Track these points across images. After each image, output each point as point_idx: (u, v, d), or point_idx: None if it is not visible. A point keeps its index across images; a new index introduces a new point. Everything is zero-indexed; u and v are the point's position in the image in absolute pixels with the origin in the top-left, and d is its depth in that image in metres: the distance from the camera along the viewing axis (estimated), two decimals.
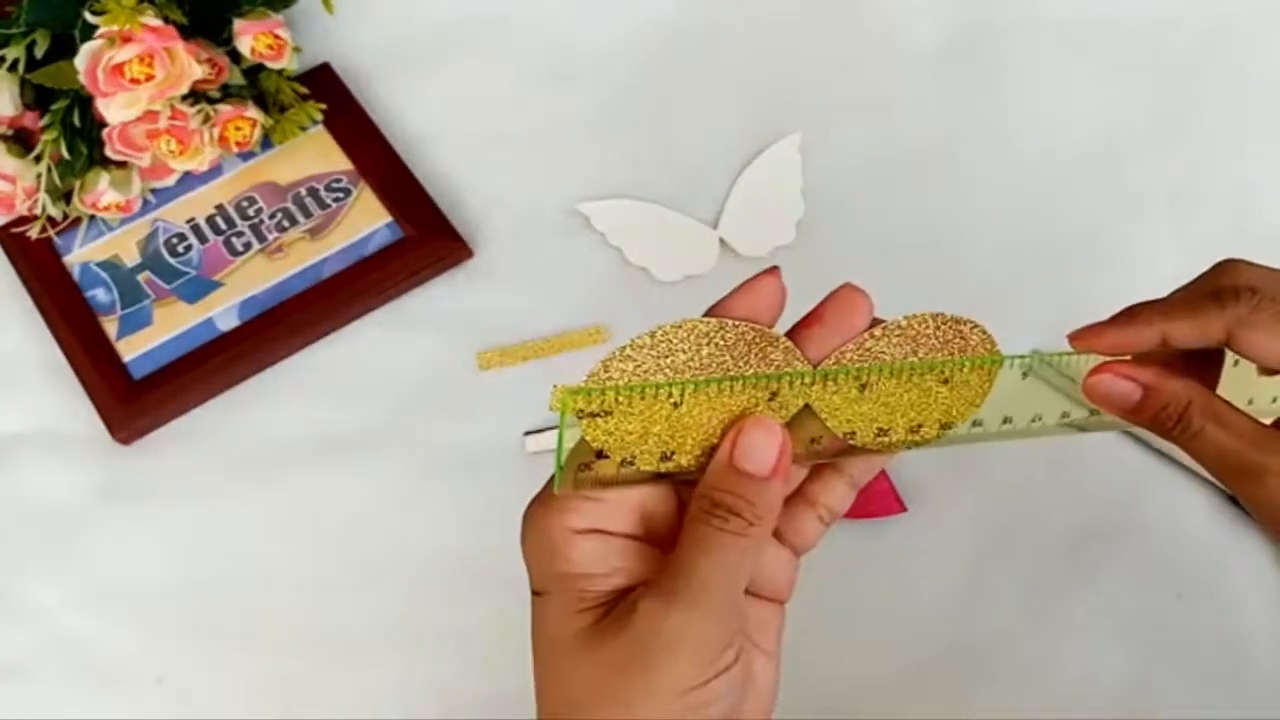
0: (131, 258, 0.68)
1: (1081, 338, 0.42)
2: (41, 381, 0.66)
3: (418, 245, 0.68)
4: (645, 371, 0.36)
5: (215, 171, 0.70)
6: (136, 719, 0.59)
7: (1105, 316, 0.42)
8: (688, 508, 0.38)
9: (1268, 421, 0.42)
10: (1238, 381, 0.43)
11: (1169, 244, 0.69)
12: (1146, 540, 0.62)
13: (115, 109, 0.62)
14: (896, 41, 0.75)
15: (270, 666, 0.60)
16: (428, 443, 0.64)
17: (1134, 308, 0.42)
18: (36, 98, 0.66)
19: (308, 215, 0.69)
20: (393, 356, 0.67)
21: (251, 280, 0.67)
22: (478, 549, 0.59)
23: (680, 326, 0.36)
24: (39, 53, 0.64)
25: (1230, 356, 0.43)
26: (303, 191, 0.70)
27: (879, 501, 0.61)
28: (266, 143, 0.70)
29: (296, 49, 0.68)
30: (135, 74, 0.61)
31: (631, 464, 0.37)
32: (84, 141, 0.65)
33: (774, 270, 0.39)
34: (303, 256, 0.68)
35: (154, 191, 0.69)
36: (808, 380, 0.38)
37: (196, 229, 0.69)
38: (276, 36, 0.67)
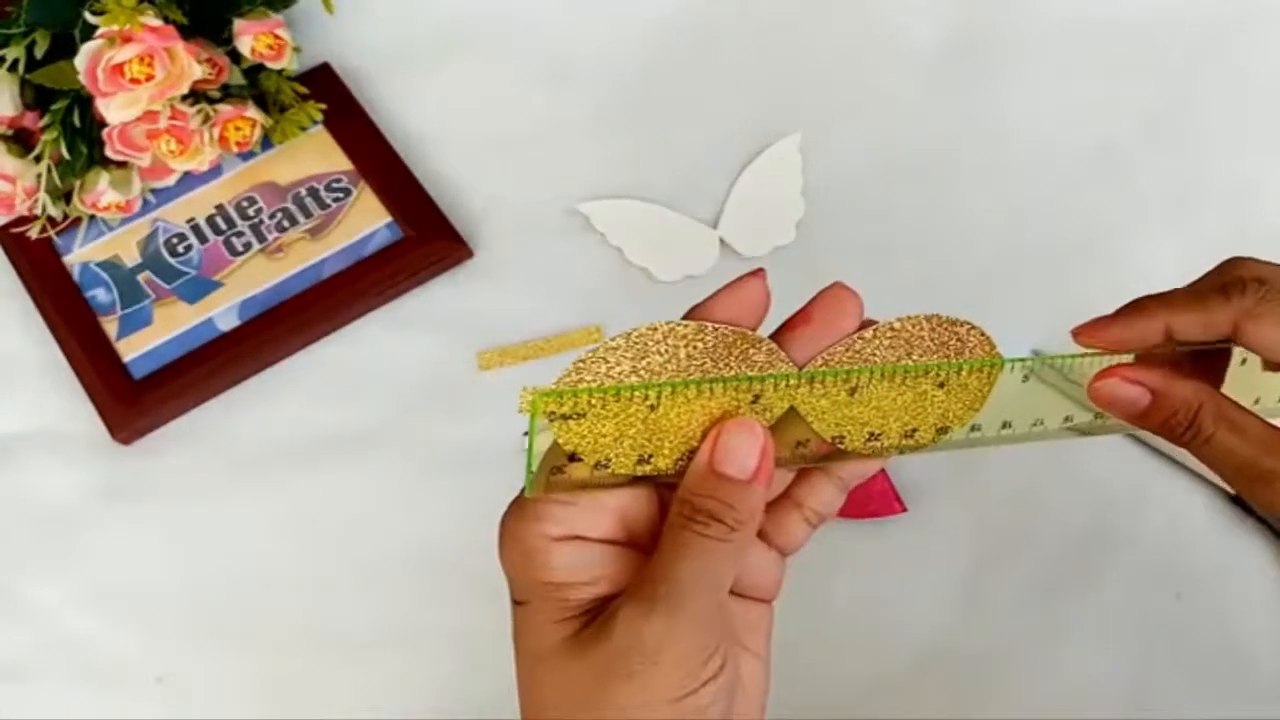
0: (131, 258, 0.68)
1: (1086, 332, 0.41)
2: (41, 381, 0.66)
3: (418, 245, 0.68)
4: (620, 374, 0.35)
5: (215, 171, 0.70)
6: (136, 719, 0.59)
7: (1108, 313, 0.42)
8: (669, 510, 0.37)
9: (1277, 421, 0.41)
10: (1243, 380, 0.43)
11: (1169, 244, 0.69)
12: (1146, 540, 0.62)
13: (115, 109, 0.62)
14: (896, 41, 0.75)
15: (270, 666, 0.60)
16: (428, 443, 0.64)
17: (1139, 300, 0.42)
18: (36, 98, 0.66)
19: (308, 215, 0.69)
20: (393, 356, 0.67)
21: (251, 280, 0.67)
22: (478, 549, 0.59)
23: (656, 329, 0.36)
24: (39, 53, 0.64)
25: (1237, 355, 0.43)
26: (303, 191, 0.70)
27: (879, 501, 0.61)
28: (266, 143, 0.70)
29: (296, 49, 0.68)
30: (135, 74, 0.61)
31: (606, 467, 0.36)
32: (84, 141, 0.65)
33: (759, 272, 0.38)
34: (303, 256, 0.68)
35: (154, 191, 0.69)
36: (793, 382, 0.37)
37: (196, 229, 0.69)
38: (276, 36, 0.67)
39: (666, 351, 0.36)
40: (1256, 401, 0.44)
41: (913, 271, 0.68)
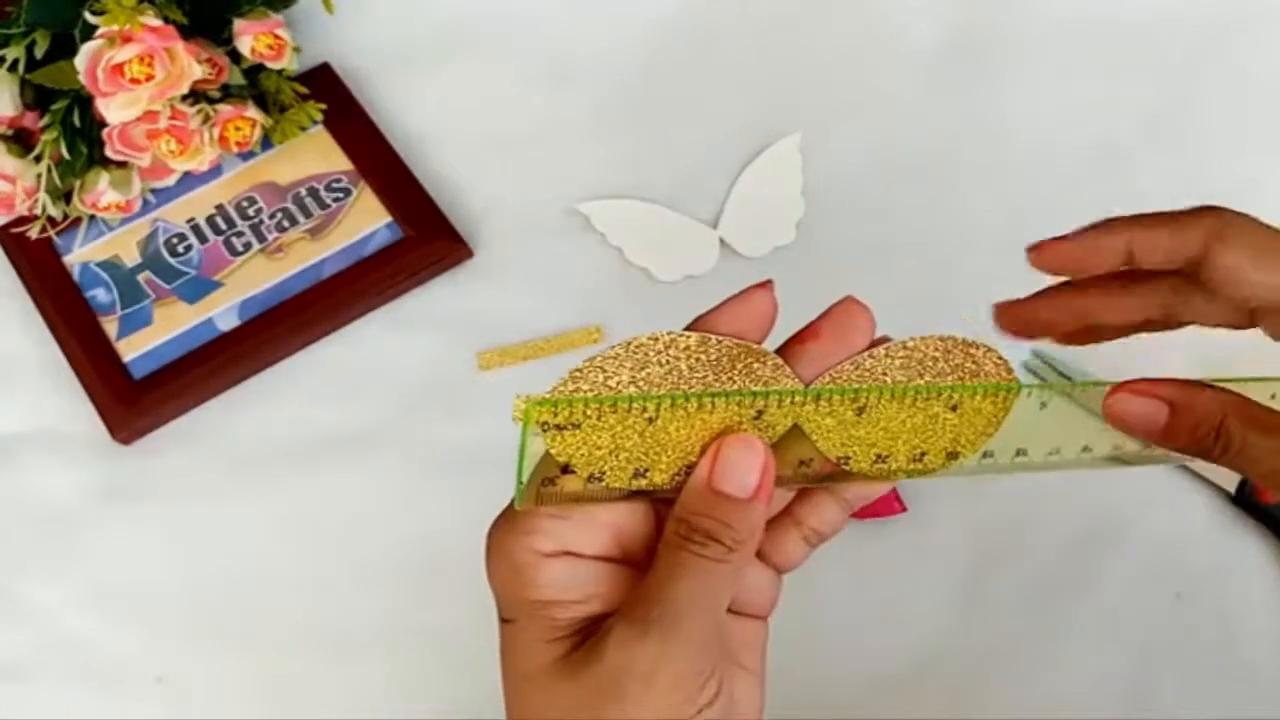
0: (131, 258, 0.68)
1: (1040, 249, 0.39)
2: (41, 381, 0.66)
3: (418, 245, 0.68)
4: (618, 384, 0.34)
5: (215, 171, 0.70)
6: (136, 719, 0.59)
7: None
8: (665, 528, 0.36)
9: None
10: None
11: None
12: (1146, 540, 0.62)
13: (115, 109, 0.62)
14: (896, 41, 0.75)
15: (270, 666, 0.60)
16: (428, 443, 0.64)
17: (1105, 219, 0.40)
18: (36, 98, 0.66)
19: (308, 215, 0.69)
20: (393, 356, 0.67)
21: (251, 280, 0.67)
22: (477, 549, 0.59)
23: (657, 339, 0.34)
24: (39, 53, 0.64)
25: (1265, 389, 0.40)
26: (303, 191, 0.70)
27: (879, 501, 0.61)
28: (266, 143, 0.70)
29: (296, 49, 0.68)
30: (135, 74, 0.61)
31: (600, 480, 0.35)
32: (84, 141, 0.65)
33: (766, 284, 0.36)
34: (303, 256, 0.68)
35: (154, 191, 0.69)
36: (798, 399, 0.35)
37: (196, 229, 0.69)
38: (276, 36, 0.67)
39: (667, 363, 0.34)
40: None
41: (913, 271, 0.68)
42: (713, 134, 0.72)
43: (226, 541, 0.63)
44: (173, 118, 0.64)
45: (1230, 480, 0.61)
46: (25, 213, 0.67)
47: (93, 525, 0.63)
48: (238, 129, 0.67)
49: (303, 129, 0.70)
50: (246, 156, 0.70)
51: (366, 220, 0.69)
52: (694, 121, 0.73)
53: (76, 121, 0.65)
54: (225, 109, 0.67)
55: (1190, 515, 0.62)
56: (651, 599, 0.35)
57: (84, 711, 0.59)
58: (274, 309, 0.66)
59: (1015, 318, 0.40)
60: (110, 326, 0.66)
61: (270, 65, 0.68)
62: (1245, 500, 0.61)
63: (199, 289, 0.67)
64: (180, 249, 0.68)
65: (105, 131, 0.64)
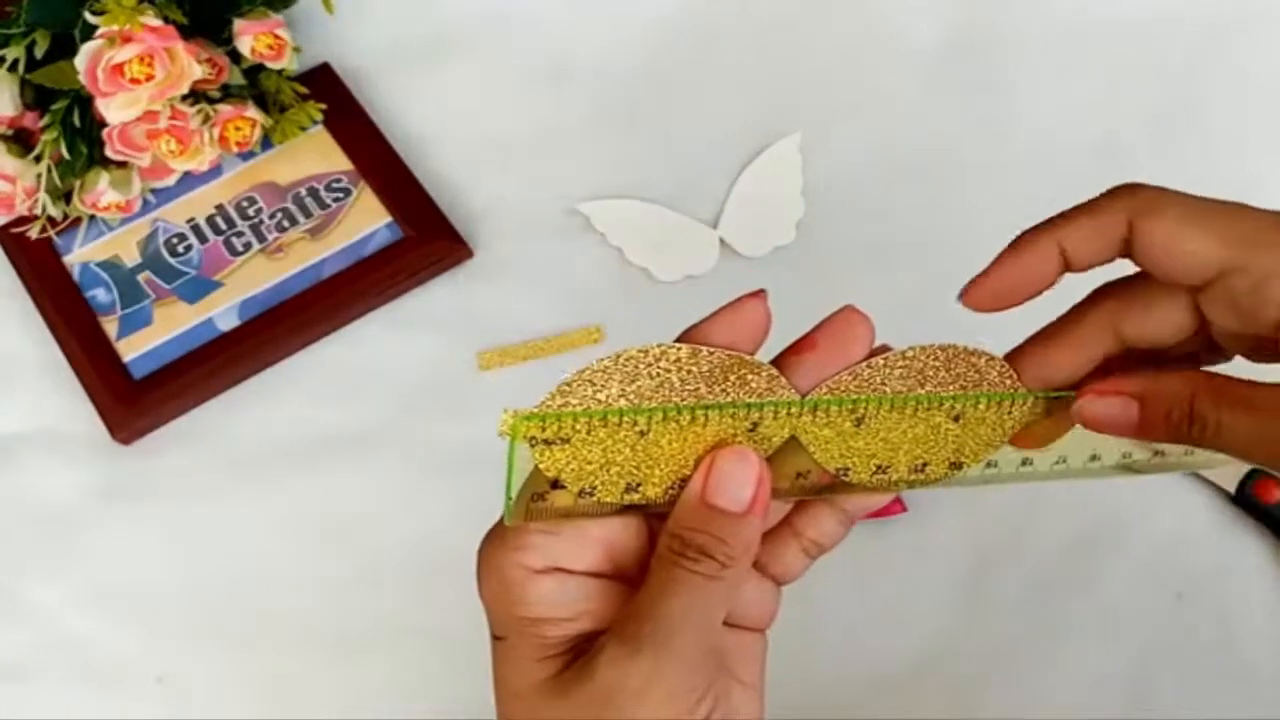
0: (131, 258, 0.68)
1: (969, 292, 0.37)
2: (41, 381, 0.66)
3: (418, 245, 0.68)
4: (608, 398, 0.33)
5: (215, 171, 0.70)
6: (136, 719, 0.59)
7: None
8: (658, 543, 0.35)
9: None
10: None
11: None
12: (1146, 540, 0.62)
13: (115, 109, 0.62)
14: (897, 41, 0.75)
15: (270, 666, 0.60)
16: (428, 443, 0.64)
17: (1021, 232, 0.37)
18: (36, 98, 0.66)
19: (308, 215, 0.69)
20: (393, 356, 0.67)
21: (251, 280, 0.67)
22: (477, 548, 0.59)
23: (647, 351, 0.33)
24: (39, 53, 0.64)
25: None
26: (303, 191, 0.70)
27: None
28: (266, 143, 0.70)
29: (296, 49, 0.68)
30: (135, 74, 0.61)
31: (592, 495, 0.34)
32: (84, 141, 0.65)
33: (759, 294, 0.35)
34: (303, 256, 0.68)
35: (154, 191, 0.69)
36: (794, 411, 0.35)
37: (196, 229, 0.69)
38: (276, 36, 0.67)
39: (658, 375, 0.34)
40: None
41: (913, 272, 0.68)
42: (713, 134, 0.72)
43: (226, 541, 0.63)
44: (173, 118, 0.64)
45: (1230, 480, 0.61)
46: (25, 213, 0.67)
47: (93, 525, 0.63)
48: (238, 129, 0.67)
49: (303, 129, 0.70)
50: (246, 156, 0.70)
51: (366, 220, 0.69)
52: (694, 121, 0.73)
53: (76, 121, 0.65)
54: (225, 109, 0.67)
55: (1190, 515, 0.62)
56: (644, 616, 0.34)
57: (84, 711, 0.59)
58: (274, 309, 0.66)
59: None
60: (110, 326, 0.66)
61: (270, 65, 0.68)
62: (1245, 500, 0.61)
63: (199, 289, 0.67)
64: (180, 249, 0.68)
65: (105, 131, 0.64)
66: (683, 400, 0.34)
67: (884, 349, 0.36)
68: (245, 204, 0.69)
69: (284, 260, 0.68)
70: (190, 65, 0.63)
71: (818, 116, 0.72)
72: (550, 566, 0.35)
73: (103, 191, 0.66)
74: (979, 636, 0.60)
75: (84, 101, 0.64)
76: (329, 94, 0.71)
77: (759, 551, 0.37)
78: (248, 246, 0.68)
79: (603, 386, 0.33)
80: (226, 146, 0.68)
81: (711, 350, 0.34)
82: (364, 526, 0.63)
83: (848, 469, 0.36)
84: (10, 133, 0.66)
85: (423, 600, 0.61)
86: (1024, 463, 0.38)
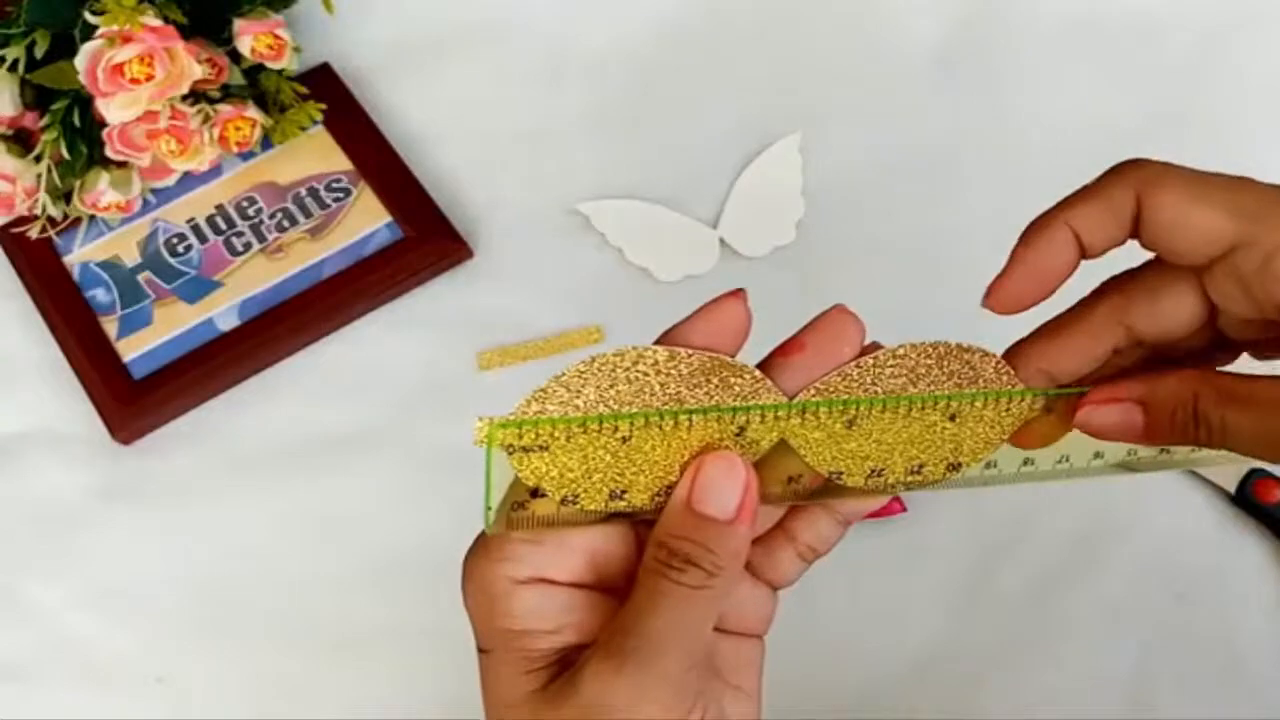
0: (131, 258, 0.68)
1: (992, 294, 0.36)
2: (41, 381, 0.66)
3: (418, 245, 0.68)
4: (585, 403, 0.32)
5: (215, 171, 0.70)
6: (136, 719, 0.59)
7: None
8: (645, 552, 0.34)
9: None
10: None
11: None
12: (1146, 540, 0.62)
13: (115, 109, 0.62)
14: (897, 41, 0.75)
15: (270, 666, 0.60)
16: (428, 443, 0.64)
17: (1031, 224, 0.37)
18: (36, 98, 0.65)
19: (308, 215, 0.69)
20: (393, 356, 0.67)
21: (251, 280, 0.67)
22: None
23: (623, 354, 0.32)
24: (39, 53, 0.64)
25: None
26: (303, 191, 0.70)
27: None
28: (266, 143, 0.70)
29: (296, 49, 0.68)
30: (135, 74, 0.61)
31: (575, 502, 0.33)
32: (84, 141, 0.65)
33: (738, 293, 0.34)
34: (303, 256, 0.68)
35: (154, 191, 0.69)
36: (781, 414, 0.34)
37: (196, 229, 0.69)
38: (276, 36, 0.67)
39: (636, 379, 0.33)
40: None
41: (913, 272, 0.68)
42: (713, 134, 0.72)
43: (226, 541, 0.63)
44: (173, 118, 0.64)
45: (1230, 480, 0.62)
46: (25, 213, 0.66)
47: (93, 525, 0.63)
48: (238, 129, 0.67)
49: (303, 129, 0.70)
50: (246, 156, 0.70)
51: (366, 220, 0.69)
52: (694, 121, 0.73)
53: (76, 121, 0.65)
54: (225, 109, 0.67)
55: (1190, 515, 0.62)
56: (628, 631, 0.33)
57: (84, 711, 0.59)
58: (274, 309, 0.66)
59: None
60: (110, 326, 0.66)
61: (270, 65, 0.68)
62: (1245, 500, 0.61)
63: (199, 289, 0.67)
64: (180, 249, 0.68)
65: (105, 131, 0.64)
66: (663, 404, 0.33)
67: (875, 347, 0.35)
68: (245, 204, 0.69)
69: (284, 260, 0.68)
70: (190, 65, 0.63)
71: (818, 116, 0.72)
72: (534, 577, 0.35)
73: (103, 191, 0.66)
74: (979, 636, 0.60)
75: (84, 101, 0.64)
76: (329, 94, 0.71)
77: (753, 556, 0.37)
78: (248, 246, 0.68)
79: (579, 392, 0.32)
80: (226, 146, 0.68)
81: (690, 352, 0.33)
82: (364, 526, 0.63)
83: (841, 472, 0.36)
84: (10, 133, 0.66)
85: (423, 600, 0.60)
86: (1025, 462, 0.37)
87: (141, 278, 0.67)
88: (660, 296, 0.68)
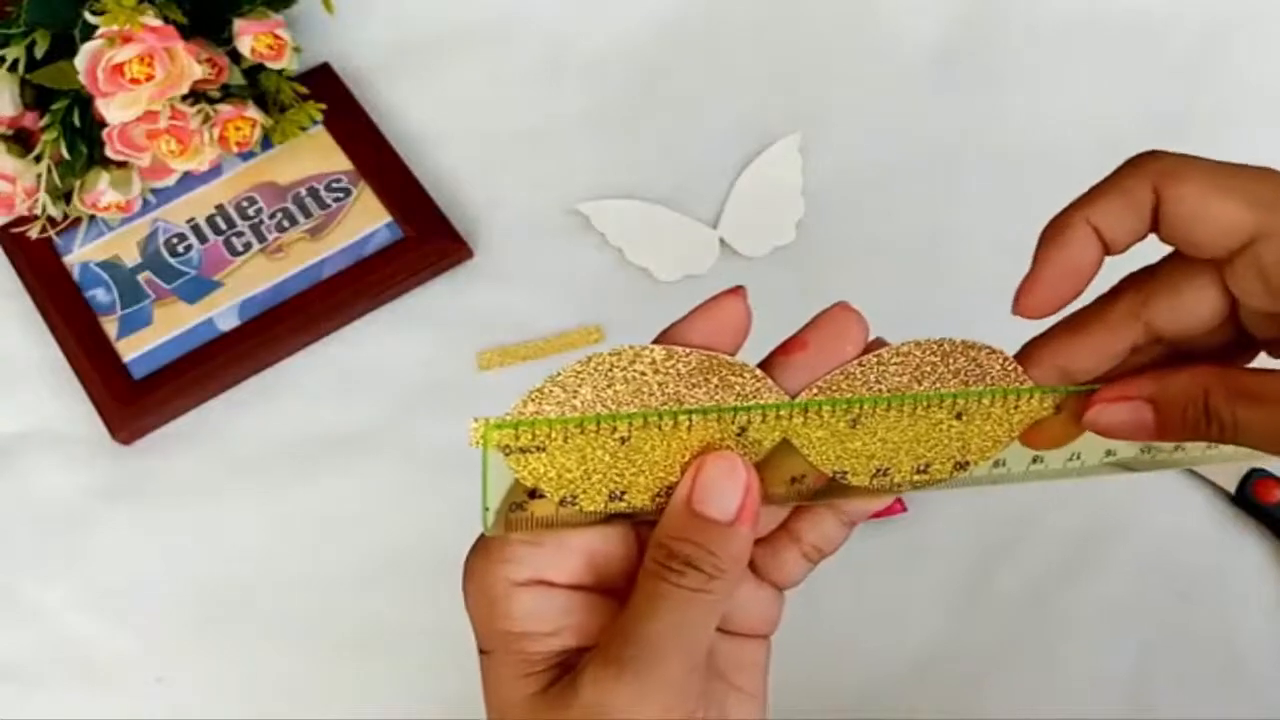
0: (131, 258, 0.68)
1: (1022, 303, 0.35)
2: (41, 381, 0.66)
3: (418, 245, 0.68)
4: (582, 403, 0.32)
5: (215, 171, 0.70)
6: (136, 719, 0.59)
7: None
8: (645, 555, 0.34)
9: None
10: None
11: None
12: (1146, 540, 0.62)
13: (115, 109, 0.62)
14: (897, 41, 0.75)
15: (270, 666, 0.60)
16: (428, 443, 0.64)
17: (1050, 222, 0.36)
18: (36, 98, 0.65)
19: (308, 215, 0.69)
20: (393, 356, 0.67)
21: (251, 280, 0.67)
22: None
23: (620, 354, 0.32)
24: (39, 53, 0.64)
25: None
26: (303, 191, 0.70)
27: None
28: (266, 143, 0.70)
29: (296, 49, 0.68)
30: (135, 74, 0.61)
31: (574, 503, 0.33)
32: (84, 141, 0.65)
33: (737, 290, 0.33)
34: (303, 256, 0.68)
35: (154, 191, 0.69)
36: (783, 413, 0.33)
37: (196, 229, 0.69)
38: (276, 36, 0.67)
39: (634, 379, 0.32)
40: None
41: (913, 271, 0.68)
42: (713, 134, 0.72)
43: (226, 541, 0.63)
44: (173, 118, 0.64)
45: (1230, 480, 0.61)
46: (25, 213, 0.66)
47: (93, 525, 0.63)
48: (238, 129, 0.67)
49: (303, 129, 0.70)
50: (246, 156, 0.70)
51: (366, 220, 0.69)
52: (694, 121, 0.73)
53: (76, 121, 0.65)
54: (225, 109, 0.67)
55: (1190, 515, 0.62)
56: (626, 636, 0.33)
57: (84, 711, 0.59)
58: (274, 309, 0.66)
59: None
60: (110, 326, 0.66)
61: (270, 65, 0.68)
62: (1245, 500, 0.61)
63: (199, 289, 0.67)
64: (180, 249, 0.68)
65: (105, 131, 0.64)
66: (662, 404, 0.33)
67: (880, 344, 0.34)
68: (245, 204, 0.69)
69: (284, 260, 0.68)
70: (190, 65, 0.63)
71: (818, 116, 0.72)
72: (533, 579, 0.34)
73: (103, 191, 0.66)
74: (979, 636, 0.60)
75: (84, 101, 0.64)
76: (329, 94, 0.71)
77: (757, 557, 0.37)
78: (248, 246, 0.68)
79: (575, 392, 0.32)
80: (226, 146, 0.68)
81: (689, 351, 0.33)
82: (364, 526, 0.63)
83: (846, 472, 0.35)
84: (10, 133, 0.66)
85: (423, 600, 0.60)
86: (1035, 460, 0.37)
87: (141, 278, 0.67)
88: (660, 296, 0.68)
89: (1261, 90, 0.74)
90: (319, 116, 0.70)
